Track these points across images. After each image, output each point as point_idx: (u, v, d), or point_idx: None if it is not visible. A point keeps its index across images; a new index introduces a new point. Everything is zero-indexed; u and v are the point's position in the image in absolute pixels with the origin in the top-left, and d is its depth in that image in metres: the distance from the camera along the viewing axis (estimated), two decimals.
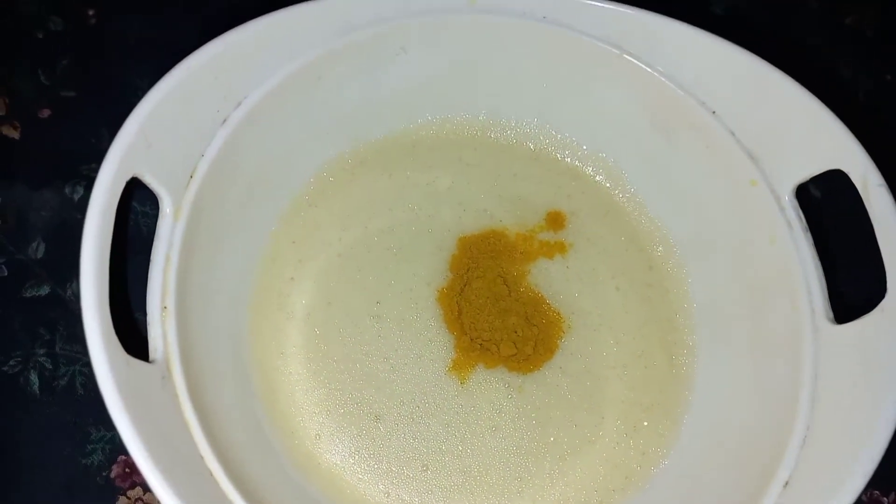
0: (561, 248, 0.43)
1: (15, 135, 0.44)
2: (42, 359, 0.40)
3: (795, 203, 0.37)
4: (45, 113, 0.45)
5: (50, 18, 0.48)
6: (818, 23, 0.52)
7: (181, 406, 0.30)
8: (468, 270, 0.41)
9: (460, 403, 0.39)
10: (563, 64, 0.41)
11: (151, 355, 0.31)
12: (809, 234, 0.36)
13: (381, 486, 0.37)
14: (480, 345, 0.40)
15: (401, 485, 0.37)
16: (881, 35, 0.52)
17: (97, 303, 0.28)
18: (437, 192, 0.43)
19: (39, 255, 0.42)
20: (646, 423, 0.39)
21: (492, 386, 0.39)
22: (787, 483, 0.32)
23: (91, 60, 0.47)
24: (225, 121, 0.36)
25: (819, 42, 0.52)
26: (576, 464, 0.38)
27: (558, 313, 0.41)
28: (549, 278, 0.42)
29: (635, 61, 0.39)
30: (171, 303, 0.32)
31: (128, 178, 0.31)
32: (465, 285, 0.41)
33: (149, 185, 0.33)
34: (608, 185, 0.44)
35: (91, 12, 0.48)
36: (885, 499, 0.41)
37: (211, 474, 0.30)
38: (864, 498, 0.40)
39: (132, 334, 0.31)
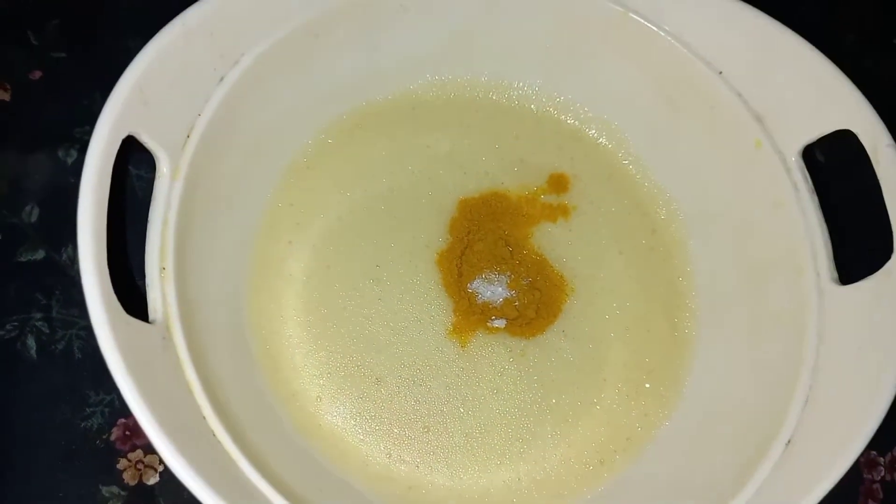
0: (564, 210, 0.42)
1: (6, 97, 0.43)
2: (39, 323, 0.39)
3: (802, 164, 0.36)
4: (37, 75, 0.44)
5: None
6: None
7: (182, 366, 0.30)
8: (468, 233, 0.41)
9: (461, 366, 0.39)
10: (567, 23, 0.40)
11: (151, 316, 0.31)
12: (815, 197, 0.36)
13: (382, 448, 0.37)
14: (481, 309, 0.39)
15: (402, 446, 0.37)
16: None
17: (95, 259, 0.27)
18: (437, 154, 0.43)
19: (33, 219, 0.41)
20: (647, 386, 0.39)
21: (493, 349, 0.39)
22: (789, 442, 0.32)
23: (81, 21, 0.45)
24: (222, 79, 0.35)
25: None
26: (577, 425, 0.38)
27: (562, 276, 0.41)
28: (552, 241, 0.41)
29: (641, 20, 0.38)
30: (169, 263, 0.31)
31: (123, 136, 0.30)
32: (465, 248, 0.40)
33: (145, 145, 0.32)
34: (611, 147, 0.43)
35: None
36: (881, 458, 0.41)
37: (213, 435, 0.30)
38: (861, 458, 0.41)
39: (133, 300, 0.30)
